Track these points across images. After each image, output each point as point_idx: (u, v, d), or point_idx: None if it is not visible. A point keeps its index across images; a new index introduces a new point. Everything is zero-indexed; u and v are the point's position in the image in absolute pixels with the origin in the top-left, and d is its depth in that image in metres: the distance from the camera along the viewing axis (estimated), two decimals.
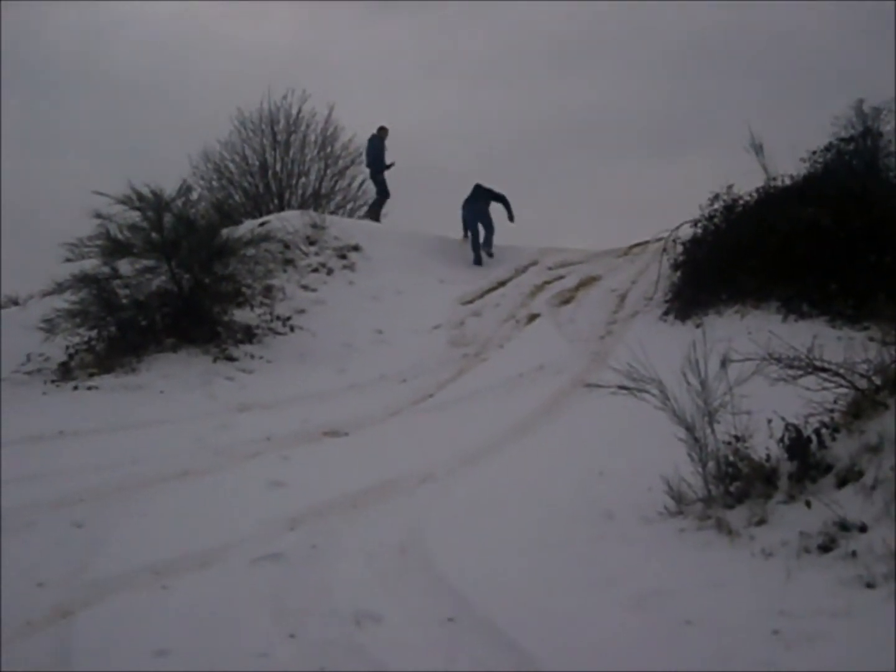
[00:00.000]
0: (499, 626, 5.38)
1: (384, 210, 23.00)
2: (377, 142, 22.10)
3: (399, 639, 5.41)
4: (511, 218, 20.36)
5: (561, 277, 17.78)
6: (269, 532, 7.24)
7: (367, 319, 15.61)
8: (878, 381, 6.88)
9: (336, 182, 29.09)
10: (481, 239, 19.87)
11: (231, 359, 13.61)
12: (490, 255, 19.70)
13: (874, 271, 13.39)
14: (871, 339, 10.45)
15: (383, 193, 22.56)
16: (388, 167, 22.06)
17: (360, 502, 8.05)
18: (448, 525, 7.39)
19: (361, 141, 27.24)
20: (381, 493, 8.31)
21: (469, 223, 20.08)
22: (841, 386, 6.94)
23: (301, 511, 7.72)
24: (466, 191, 20.53)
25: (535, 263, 18.95)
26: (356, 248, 18.53)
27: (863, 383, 6.89)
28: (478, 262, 19.41)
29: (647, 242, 18.58)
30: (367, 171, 23.33)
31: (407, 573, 6.41)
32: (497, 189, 20.44)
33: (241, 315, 14.77)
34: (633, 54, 49.27)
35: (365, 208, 27.64)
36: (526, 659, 5.02)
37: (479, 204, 20.06)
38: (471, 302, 16.78)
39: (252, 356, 13.79)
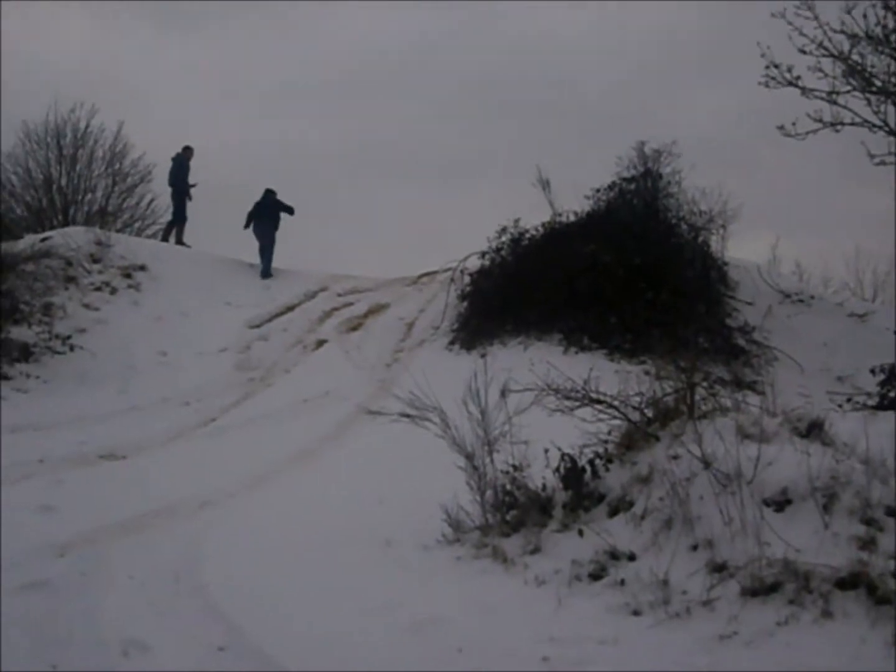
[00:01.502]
0: (270, 655, 5.31)
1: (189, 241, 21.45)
2: (182, 161, 21.24)
3: (166, 669, 5.27)
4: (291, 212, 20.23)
5: (350, 304, 17.79)
6: (36, 558, 6.96)
7: (152, 341, 15.23)
8: (649, 413, 7.12)
9: (124, 200, 28.37)
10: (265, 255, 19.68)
11: (5, 378, 13.06)
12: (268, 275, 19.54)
13: (651, 307, 13.97)
14: (647, 373, 10.76)
15: (180, 217, 21.51)
16: (190, 188, 21.22)
17: (136, 528, 7.85)
18: (225, 552, 7.28)
19: (153, 159, 26.86)
20: (158, 519, 8.13)
21: (258, 241, 19.81)
22: (615, 418, 7.15)
23: (72, 537, 7.46)
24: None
25: (324, 289, 18.88)
26: (142, 268, 18.03)
27: (635, 416, 7.12)
28: (265, 275, 19.25)
29: (435, 272, 18.76)
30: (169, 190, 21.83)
31: (179, 601, 6.27)
32: (286, 202, 20.22)
33: (18, 333, 14.19)
34: (429, 90, 49.81)
35: (155, 228, 27.02)
36: None
37: (266, 226, 19.76)
38: (258, 326, 16.58)
39: (28, 375, 13.28)
